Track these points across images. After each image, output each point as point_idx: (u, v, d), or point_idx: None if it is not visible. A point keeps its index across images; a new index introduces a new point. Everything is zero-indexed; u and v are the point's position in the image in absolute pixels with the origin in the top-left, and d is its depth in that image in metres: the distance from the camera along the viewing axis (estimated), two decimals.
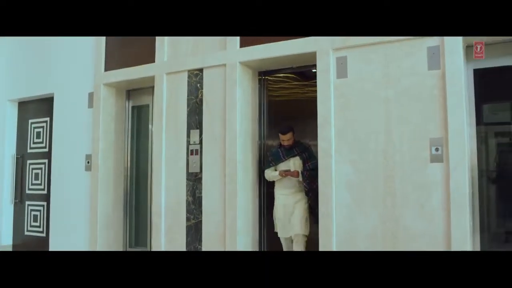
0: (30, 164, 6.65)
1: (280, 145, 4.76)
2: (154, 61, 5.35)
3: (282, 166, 4.71)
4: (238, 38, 4.73)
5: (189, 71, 5.05)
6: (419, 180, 3.81)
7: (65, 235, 5.89)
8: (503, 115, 4.23)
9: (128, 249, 5.88)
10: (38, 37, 6.28)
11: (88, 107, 5.86)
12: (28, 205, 6.61)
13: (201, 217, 4.85)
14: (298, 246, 4.56)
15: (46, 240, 6.20)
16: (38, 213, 6.47)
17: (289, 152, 4.71)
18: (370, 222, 4.00)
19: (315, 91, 4.36)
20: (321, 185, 4.19)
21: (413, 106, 3.87)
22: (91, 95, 5.83)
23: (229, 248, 4.62)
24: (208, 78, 4.93)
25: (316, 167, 4.39)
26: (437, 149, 3.77)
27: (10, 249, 6.66)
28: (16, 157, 6.77)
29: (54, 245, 5.98)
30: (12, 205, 6.74)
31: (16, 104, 6.91)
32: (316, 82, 4.35)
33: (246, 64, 4.80)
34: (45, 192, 6.41)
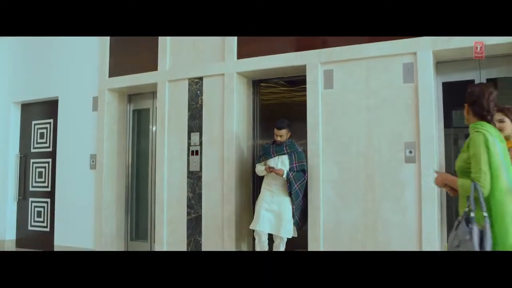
0: (34, 163, 7.06)
1: (274, 142, 4.89)
2: (155, 69, 5.84)
3: (271, 162, 4.81)
4: (235, 50, 5.27)
5: (189, 79, 5.57)
6: (395, 178, 4.41)
7: (70, 229, 6.33)
8: None
9: (129, 242, 6.36)
10: (42, 42, 6.77)
11: (93, 110, 6.32)
12: (32, 201, 7.02)
13: (201, 211, 5.37)
14: (278, 247, 4.71)
15: (50, 234, 6.64)
16: (42, 209, 6.88)
17: (279, 149, 4.82)
18: (353, 214, 4.59)
19: (300, 95, 5.00)
20: (310, 182, 4.76)
21: (390, 114, 4.47)
22: (95, 99, 6.29)
23: (226, 238, 5.16)
24: (207, 86, 5.45)
25: (303, 169, 4.74)
26: (410, 152, 4.39)
27: (14, 244, 7.07)
28: (20, 157, 7.16)
29: (59, 239, 6.43)
30: (16, 202, 7.14)
31: (19, 106, 7.31)
32: (301, 87, 4.99)
33: (242, 74, 5.35)
34: (49, 189, 6.83)
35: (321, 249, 4.69)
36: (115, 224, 6.24)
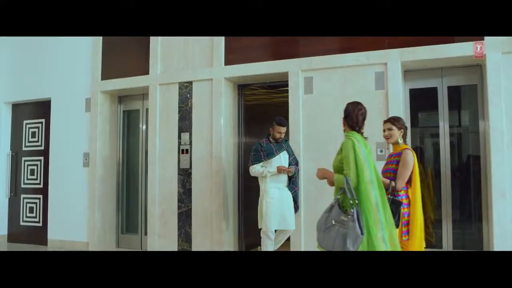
0: (26, 160, 7.37)
1: (268, 140, 5.04)
2: (145, 72, 6.26)
3: (276, 161, 4.94)
4: (223, 57, 5.74)
5: (180, 83, 6.01)
6: None
7: (63, 223, 6.70)
8: (433, 120, 5.42)
9: (121, 235, 6.77)
10: (34, 44, 7.09)
11: (86, 111, 6.68)
12: (24, 198, 7.33)
13: (191, 205, 5.83)
14: (283, 240, 5.02)
15: (42, 228, 6.98)
16: (34, 205, 7.20)
17: (280, 147, 5.00)
18: None
19: (278, 97, 5.59)
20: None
21: None
22: (88, 101, 6.66)
23: (215, 230, 5.63)
24: (197, 89, 5.91)
25: (296, 162, 5.17)
26: (381, 151, 4.95)
27: (5, 239, 7.36)
28: (11, 155, 7.45)
29: (53, 233, 6.80)
30: (7, 198, 7.43)
31: (10, 106, 7.59)
32: (278, 90, 5.69)
33: (229, 79, 5.83)
34: (41, 186, 7.15)
35: (302, 239, 5.20)
36: (107, 218, 6.64)
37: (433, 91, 5.19)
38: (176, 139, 6.00)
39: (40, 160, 7.22)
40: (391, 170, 3.74)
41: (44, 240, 6.90)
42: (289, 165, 5.06)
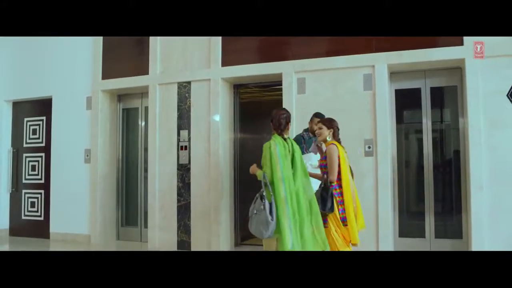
0: (27, 157, 7.61)
1: (308, 134, 4.99)
2: (145, 72, 6.54)
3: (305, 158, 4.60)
4: (220, 59, 6.05)
5: (179, 83, 6.32)
6: (357, 169, 5.21)
7: (65, 217, 6.97)
8: (417, 117, 5.79)
9: (121, 228, 7.08)
10: (35, 44, 7.32)
11: (87, 109, 6.95)
12: (25, 193, 7.58)
13: (190, 199, 6.15)
14: None
15: (44, 222, 7.25)
16: (35, 200, 7.46)
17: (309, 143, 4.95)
18: None
19: (270, 95, 6.01)
20: None
21: (353, 116, 5.37)
22: (89, 99, 6.93)
23: (213, 222, 5.96)
24: (195, 89, 6.22)
25: None
26: (369, 147, 5.33)
27: (7, 233, 7.61)
28: (12, 151, 7.69)
29: (55, 226, 7.08)
30: (9, 193, 7.68)
31: (11, 104, 7.82)
32: (270, 89, 6.13)
33: (226, 80, 6.16)
34: (42, 181, 7.41)
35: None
36: (108, 211, 6.93)
37: (417, 92, 5.60)
38: (175, 136, 6.30)
39: (41, 157, 7.47)
40: (324, 165, 4.10)
41: (45, 233, 7.17)
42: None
